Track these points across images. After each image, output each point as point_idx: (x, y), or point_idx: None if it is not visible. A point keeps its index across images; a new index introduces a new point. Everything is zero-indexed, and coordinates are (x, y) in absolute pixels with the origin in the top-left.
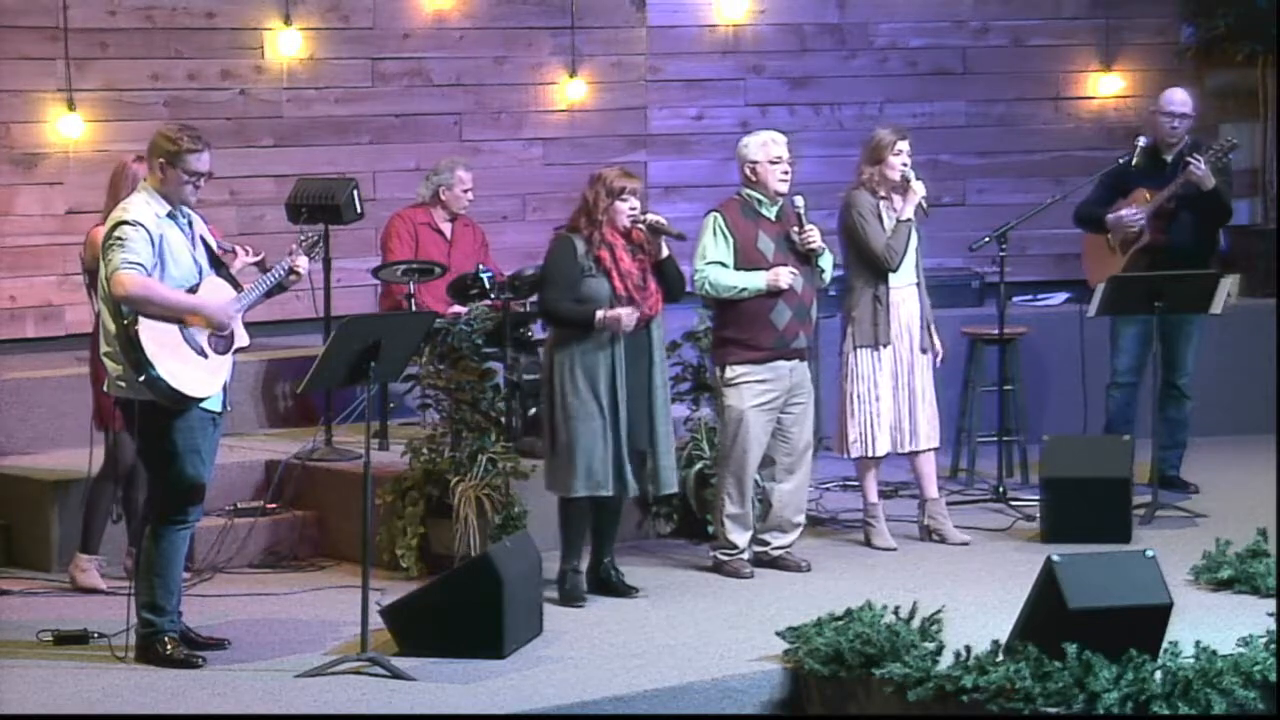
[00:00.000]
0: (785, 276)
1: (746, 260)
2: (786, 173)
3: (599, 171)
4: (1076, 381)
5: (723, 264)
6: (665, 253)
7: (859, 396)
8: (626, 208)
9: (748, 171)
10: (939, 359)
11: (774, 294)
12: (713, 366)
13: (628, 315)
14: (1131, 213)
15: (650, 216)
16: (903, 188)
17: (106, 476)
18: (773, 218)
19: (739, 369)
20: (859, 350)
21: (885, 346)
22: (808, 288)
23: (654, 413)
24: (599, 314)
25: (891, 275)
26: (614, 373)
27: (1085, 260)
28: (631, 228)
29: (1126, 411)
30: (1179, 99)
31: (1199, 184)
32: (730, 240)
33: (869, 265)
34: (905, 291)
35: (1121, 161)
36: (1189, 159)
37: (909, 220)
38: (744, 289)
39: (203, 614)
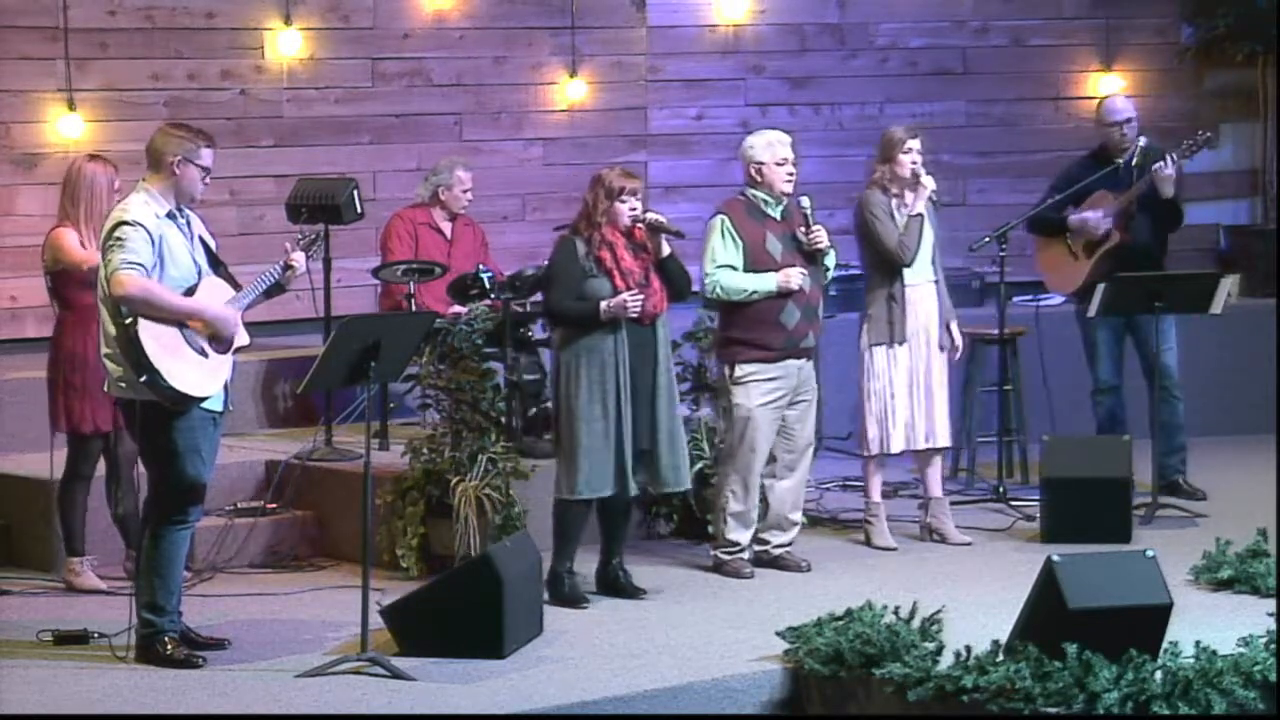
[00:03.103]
0: (796, 277)
1: (755, 262)
2: (792, 174)
3: (599, 173)
4: (1076, 381)
5: (732, 267)
6: (666, 251)
7: (875, 394)
8: (626, 208)
9: (753, 172)
10: (955, 355)
11: (783, 295)
12: (718, 366)
13: (631, 299)
14: (1096, 216)
15: (650, 215)
16: (914, 185)
17: (73, 478)
18: (778, 217)
19: (748, 368)
20: (874, 348)
21: (901, 344)
22: (815, 287)
23: (658, 411)
24: (603, 303)
25: (908, 273)
26: (618, 372)
27: (1042, 266)
28: (632, 227)
29: (1116, 415)
30: (1120, 105)
31: (1160, 186)
32: (739, 242)
33: (883, 264)
34: (922, 289)
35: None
36: (1167, 156)
37: (920, 215)
38: (755, 291)
39: (203, 614)
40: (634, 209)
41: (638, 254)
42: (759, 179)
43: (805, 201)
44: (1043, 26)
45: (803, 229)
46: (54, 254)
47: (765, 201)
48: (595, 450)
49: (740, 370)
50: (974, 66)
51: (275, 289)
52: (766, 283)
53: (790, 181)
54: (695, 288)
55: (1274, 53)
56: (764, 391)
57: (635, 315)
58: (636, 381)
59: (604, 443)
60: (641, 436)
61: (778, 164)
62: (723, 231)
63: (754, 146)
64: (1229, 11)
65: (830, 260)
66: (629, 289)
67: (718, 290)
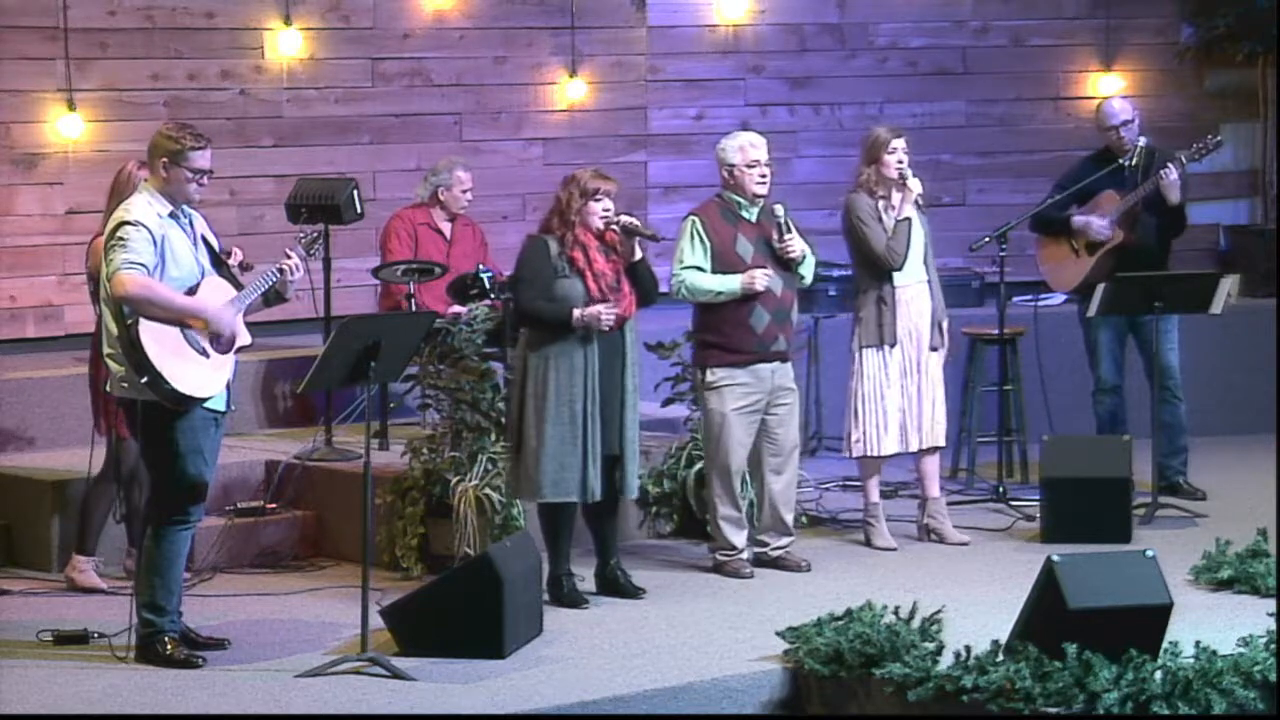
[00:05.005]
0: (761, 279)
1: (724, 263)
2: (764, 176)
3: (573, 173)
4: (1076, 381)
5: (700, 268)
6: (638, 255)
7: (864, 396)
8: (600, 208)
9: (725, 174)
10: (943, 355)
11: (752, 297)
12: (695, 369)
13: (606, 312)
14: (1100, 221)
15: (624, 218)
16: (900, 186)
17: (105, 478)
18: (752, 219)
19: (720, 372)
20: (865, 350)
21: (892, 346)
22: (787, 290)
23: (625, 416)
24: (576, 312)
25: (898, 274)
26: (587, 375)
27: (1044, 264)
28: (605, 229)
29: (1117, 415)
30: (1117, 108)
31: (1167, 194)
32: (707, 244)
33: (873, 266)
34: (914, 289)
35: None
36: (1168, 165)
37: (908, 219)
38: (720, 292)
39: (203, 614)
40: (607, 210)
41: (609, 256)
42: (731, 181)
43: (779, 210)
44: (1043, 26)
45: (776, 237)
46: (95, 258)
47: (739, 204)
48: (559, 454)
49: (712, 375)
50: (974, 66)
51: (276, 298)
52: (732, 284)
53: (763, 184)
54: (665, 288)
55: (1274, 53)
56: (737, 396)
57: (608, 329)
58: (605, 385)
59: (568, 447)
60: (612, 442)
61: (748, 166)
62: (692, 233)
63: (726, 149)
64: (1229, 11)
65: (807, 269)
66: (600, 291)
67: (684, 291)
